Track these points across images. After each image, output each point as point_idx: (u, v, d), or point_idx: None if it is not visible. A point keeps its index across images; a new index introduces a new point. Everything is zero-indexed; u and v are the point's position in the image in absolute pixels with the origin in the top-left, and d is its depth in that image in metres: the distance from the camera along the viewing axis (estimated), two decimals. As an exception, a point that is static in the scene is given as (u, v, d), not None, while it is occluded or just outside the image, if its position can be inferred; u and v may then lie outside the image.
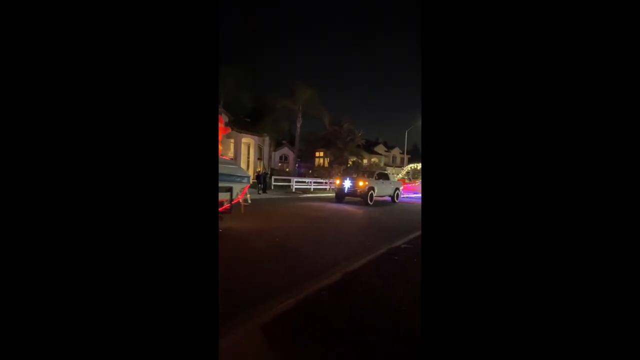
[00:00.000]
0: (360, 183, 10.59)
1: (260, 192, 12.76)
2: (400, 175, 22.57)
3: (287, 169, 25.23)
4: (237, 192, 6.12)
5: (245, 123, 23.86)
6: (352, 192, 10.69)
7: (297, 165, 23.17)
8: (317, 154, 28.24)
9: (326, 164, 25.93)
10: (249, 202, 8.09)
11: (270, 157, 25.18)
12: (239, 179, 5.89)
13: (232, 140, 22.93)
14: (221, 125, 6.29)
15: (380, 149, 35.11)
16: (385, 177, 12.26)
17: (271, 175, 16.42)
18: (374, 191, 10.74)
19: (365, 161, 28.51)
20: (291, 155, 26.78)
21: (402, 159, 34.64)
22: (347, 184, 10.92)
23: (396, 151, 36.80)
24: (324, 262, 3.41)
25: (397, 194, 12.47)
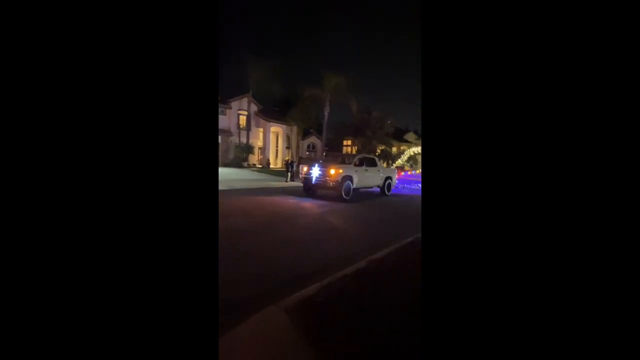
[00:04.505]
0: (332, 171, 7.81)
1: (288, 180, 12.96)
2: (401, 161, 18.04)
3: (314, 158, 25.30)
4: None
5: (273, 112, 24.20)
6: (322, 183, 7.96)
7: (324, 153, 23.16)
8: (345, 142, 28.04)
9: (354, 152, 25.69)
10: None
11: (298, 146, 25.40)
12: None
13: (261, 129, 23.37)
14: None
15: (411, 136, 34.07)
16: (371, 162, 9.46)
17: (299, 163, 16.57)
18: (351, 181, 8.03)
19: (394, 149, 27.82)
20: (319, 143, 26.82)
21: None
22: (315, 172, 8.07)
23: (427, 139, 35.46)
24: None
25: (389, 184, 9.81)
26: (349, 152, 26.65)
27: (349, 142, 27.53)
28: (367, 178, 8.87)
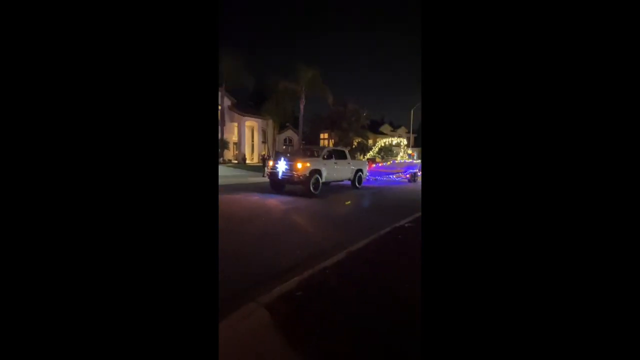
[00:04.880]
0: (299, 165, 7.40)
1: (264, 175, 12.79)
2: (372, 153, 16.83)
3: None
4: None
5: (248, 106, 23.71)
6: (289, 178, 7.56)
7: (301, 147, 23.11)
8: (321, 135, 28.06)
9: (331, 146, 25.80)
10: None
11: (274, 140, 25.09)
12: None
13: (236, 124, 22.84)
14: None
15: (386, 128, 34.71)
16: (341, 155, 9.21)
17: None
18: (320, 175, 7.71)
19: (370, 141, 28.21)
20: (295, 137, 26.65)
21: (409, 138, 34.30)
22: (282, 166, 7.67)
23: (402, 130, 36.34)
24: None
25: (360, 177, 9.68)
26: (326, 145, 26.75)
27: (326, 136, 27.58)
28: (337, 171, 8.67)
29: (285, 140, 27.54)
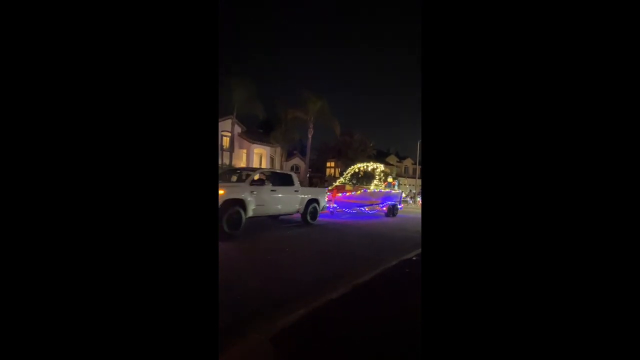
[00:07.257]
0: None
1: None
2: (343, 179, 12.82)
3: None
4: None
5: (257, 133, 24.35)
6: None
7: (307, 175, 23.29)
8: (328, 164, 28.37)
9: (337, 174, 25.97)
10: None
11: (282, 168, 25.40)
12: None
13: (245, 151, 23.34)
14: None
15: (392, 159, 34.91)
16: (284, 180, 6.91)
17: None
18: (243, 208, 5.42)
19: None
20: (302, 165, 26.97)
21: (414, 170, 34.35)
22: None
23: (408, 162, 36.51)
24: None
25: (315, 209, 7.30)
26: (333, 174, 26.95)
27: (332, 164, 27.89)
28: (275, 202, 6.30)
29: (292, 167, 27.87)
